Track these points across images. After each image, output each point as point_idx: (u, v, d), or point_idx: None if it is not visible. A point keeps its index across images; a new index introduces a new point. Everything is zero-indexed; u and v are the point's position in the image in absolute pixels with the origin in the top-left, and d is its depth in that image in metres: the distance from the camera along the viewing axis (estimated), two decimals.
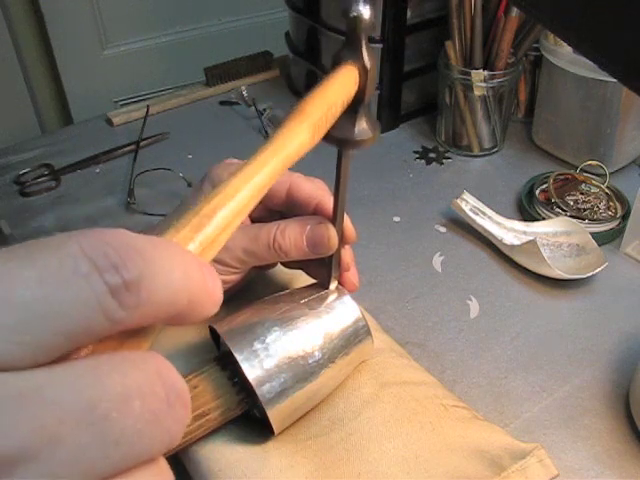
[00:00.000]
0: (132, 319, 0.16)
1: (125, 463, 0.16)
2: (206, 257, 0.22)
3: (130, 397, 0.16)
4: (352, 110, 0.35)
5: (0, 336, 0.15)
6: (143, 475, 0.17)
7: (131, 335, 0.18)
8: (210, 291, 0.19)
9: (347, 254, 0.47)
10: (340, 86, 0.33)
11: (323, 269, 0.46)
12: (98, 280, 0.16)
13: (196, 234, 0.21)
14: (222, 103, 0.93)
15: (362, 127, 0.36)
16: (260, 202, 0.48)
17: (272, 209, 0.48)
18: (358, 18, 0.33)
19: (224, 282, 0.46)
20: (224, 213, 0.22)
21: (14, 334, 0.15)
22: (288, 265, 0.51)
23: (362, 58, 0.34)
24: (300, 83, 0.93)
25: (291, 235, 0.44)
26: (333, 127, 0.32)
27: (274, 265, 0.52)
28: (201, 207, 0.22)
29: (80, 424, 0.15)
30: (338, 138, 0.36)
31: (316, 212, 0.46)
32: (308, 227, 0.44)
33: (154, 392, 0.17)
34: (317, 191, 0.46)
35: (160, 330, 0.19)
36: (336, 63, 0.34)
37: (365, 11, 0.33)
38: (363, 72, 0.34)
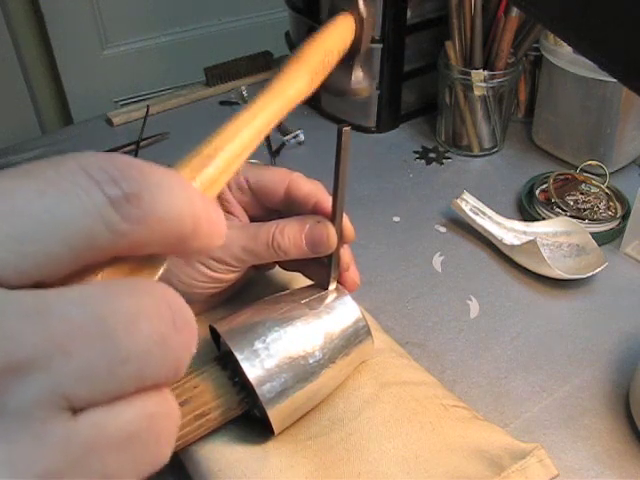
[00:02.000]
0: (136, 233, 0.17)
1: (131, 384, 0.16)
2: (208, 196, 0.22)
3: (138, 318, 0.16)
4: (349, 60, 0.36)
5: (1, 247, 0.15)
6: (148, 400, 0.17)
7: (139, 266, 0.18)
8: (214, 221, 0.19)
9: (346, 254, 0.47)
10: (337, 34, 0.33)
11: (322, 270, 0.46)
12: (97, 192, 0.16)
13: (197, 173, 0.21)
14: (222, 103, 0.93)
15: (358, 76, 0.36)
16: (259, 201, 0.49)
17: (271, 208, 0.48)
18: None
19: (222, 281, 0.46)
20: (225, 154, 0.23)
21: (16, 244, 0.15)
22: (286, 267, 0.51)
23: (358, 7, 0.34)
24: None
25: (290, 234, 0.44)
26: (330, 76, 0.33)
27: (272, 266, 0.52)
28: (202, 148, 0.23)
29: (88, 339, 0.15)
30: (335, 87, 0.36)
31: (315, 211, 0.46)
32: (307, 226, 0.44)
33: (161, 315, 0.17)
34: (316, 190, 0.46)
35: (166, 263, 0.19)
36: (333, 13, 0.34)
37: None
38: (359, 21, 0.34)
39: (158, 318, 0.17)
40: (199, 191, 0.19)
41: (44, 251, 0.16)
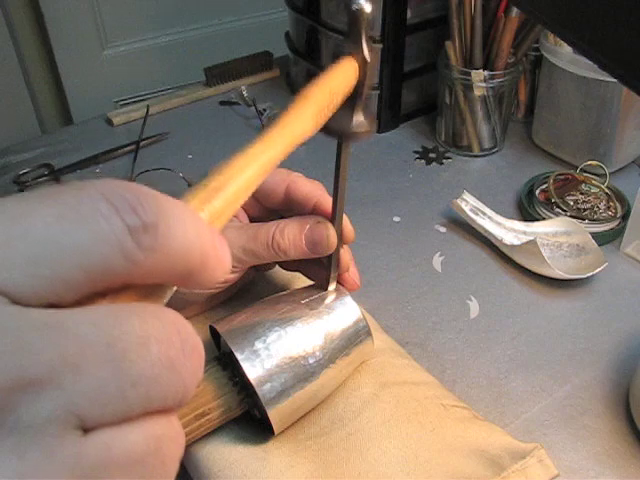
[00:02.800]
0: (149, 263, 0.17)
1: (140, 406, 0.16)
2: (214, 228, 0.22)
3: (148, 342, 0.16)
4: (350, 102, 0.36)
5: (19, 269, 0.15)
6: (156, 424, 0.17)
7: (147, 294, 0.19)
8: (220, 255, 0.19)
9: (346, 254, 0.47)
10: (342, 76, 0.34)
11: (321, 271, 0.46)
12: (117, 220, 0.16)
13: (205, 205, 0.22)
14: (222, 103, 0.93)
15: (359, 119, 0.37)
16: (258, 201, 0.49)
17: (271, 208, 0.48)
18: (359, 11, 0.34)
19: (222, 281, 0.46)
20: (232, 188, 0.23)
21: (32, 266, 0.16)
22: (286, 267, 0.51)
23: (362, 51, 0.35)
24: (300, 83, 0.93)
25: (290, 234, 0.44)
26: (331, 119, 0.33)
27: (272, 266, 0.52)
28: (210, 181, 0.23)
29: (100, 359, 0.16)
30: (336, 130, 0.36)
31: (314, 211, 0.46)
32: (307, 226, 0.44)
33: (171, 340, 0.17)
34: (316, 191, 0.46)
35: (172, 293, 0.20)
36: (337, 56, 0.35)
37: (366, 5, 0.34)
38: (363, 64, 0.35)
39: (167, 343, 0.17)
40: (208, 225, 0.19)
41: (60, 274, 0.16)
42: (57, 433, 0.15)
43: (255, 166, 0.25)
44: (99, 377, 0.16)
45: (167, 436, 0.17)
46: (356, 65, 0.35)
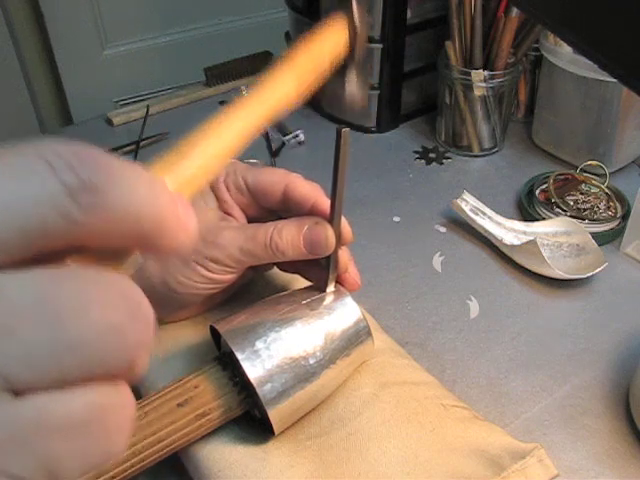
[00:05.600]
0: (92, 223, 0.16)
1: (79, 371, 0.16)
2: (182, 194, 0.22)
3: (88, 305, 0.16)
4: (343, 70, 0.35)
5: None
6: (99, 391, 0.17)
7: (107, 258, 0.18)
8: (182, 219, 0.19)
9: (344, 255, 0.46)
10: (328, 42, 0.33)
11: (320, 272, 0.46)
12: (53, 179, 0.16)
13: (172, 171, 0.21)
14: (222, 103, 0.93)
15: (352, 87, 0.36)
16: (256, 201, 0.49)
17: (269, 209, 0.48)
18: None
19: (220, 282, 0.46)
20: (202, 154, 0.23)
21: None
22: (284, 269, 0.50)
23: (353, 17, 0.34)
24: None
25: (288, 235, 0.44)
26: (324, 87, 0.33)
27: (270, 267, 0.52)
28: (180, 147, 0.23)
29: (32, 322, 0.15)
30: (329, 97, 0.36)
31: (312, 212, 0.45)
32: (306, 227, 0.44)
33: (114, 305, 0.16)
34: (314, 191, 0.46)
35: (136, 263, 0.19)
36: (327, 16, 0.34)
37: None
38: (353, 31, 0.34)
39: (111, 308, 0.16)
40: (167, 188, 0.19)
41: None
42: None
43: (229, 133, 0.24)
44: (30, 339, 0.15)
45: (113, 404, 0.17)
46: (346, 32, 0.34)
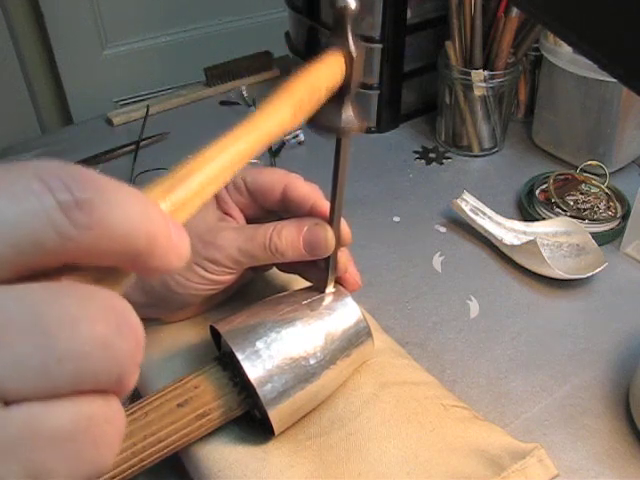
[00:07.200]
0: (86, 240, 0.17)
1: (68, 383, 0.16)
2: (177, 218, 0.22)
3: (78, 319, 0.16)
4: (339, 99, 0.36)
5: None
6: (88, 403, 0.17)
7: (101, 277, 0.19)
8: (174, 241, 0.19)
9: (343, 256, 0.46)
10: (326, 71, 0.34)
11: (319, 273, 0.46)
12: (48, 196, 0.16)
13: (167, 195, 0.22)
14: (222, 103, 0.93)
15: (348, 115, 0.36)
16: (255, 202, 0.49)
17: (268, 209, 0.48)
18: (345, 8, 0.34)
19: (219, 282, 0.46)
20: (198, 177, 0.23)
21: None
22: (283, 269, 0.50)
23: (348, 47, 0.35)
24: None
25: (288, 236, 0.44)
26: (321, 115, 0.33)
27: (269, 268, 0.52)
28: (176, 171, 0.23)
29: (23, 334, 0.16)
30: (325, 126, 0.36)
31: (311, 213, 0.45)
32: (305, 228, 0.44)
33: (104, 320, 0.17)
34: (313, 192, 0.46)
35: (131, 280, 0.20)
36: (324, 51, 0.35)
37: (351, 1, 0.34)
38: (349, 60, 0.35)
39: (101, 323, 0.17)
40: (160, 209, 0.19)
41: None
42: None
43: (224, 157, 0.25)
44: (20, 351, 0.16)
45: (101, 416, 0.17)
46: (342, 61, 0.34)
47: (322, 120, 0.35)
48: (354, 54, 0.34)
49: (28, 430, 0.16)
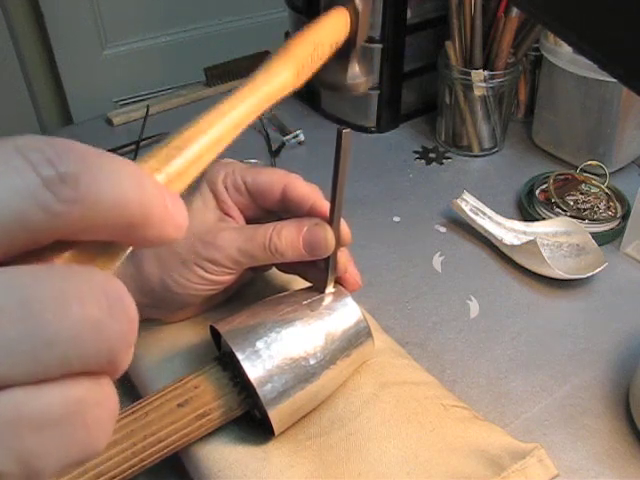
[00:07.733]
0: (73, 214, 0.16)
1: (58, 367, 0.16)
2: (174, 188, 0.21)
3: (67, 301, 0.16)
4: (344, 54, 0.35)
5: None
6: (78, 386, 0.17)
7: (96, 253, 0.18)
8: (170, 210, 0.18)
9: (343, 256, 0.46)
10: (329, 27, 0.33)
11: (319, 273, 0.46)
12: (30, 172, 0.16)
13: (164, 165, 0.21)
14: None
15: (354, 71, 0.36)
16: (255, 202, 0.48)
17: (267, 209, 0.48)
18: None
19: (218, 283, 0.46)
20: (195, 146, 0.22)
21: None
22: (283, 269, 0.50)
23: (354, 1, 0.34)
24: None
25: (287, 236, 0.44)
26: (326, 72, 0.32)
27: (269, 268, 0.52)
28: (171, 140, 0.22)
29: (10, 318, 0.15)
30: (331, 82, 0.36)
31: (311, 213, 0.45)
32: (305, 228, 0.44)
33: (95, 301, 0.16)
34: (313, 192, 0.46)
35: (125, 252, 0.19)
36: (328, 6, 0.34)
37: None
38: (354, 15, 0.34)
39: (91, 304, 0.16)
40: (154, 179, 0.18)
41: None
42: None
43: (222, 124, 0.24)
44: (8, 336, 0.15)
45: (92, 399, 0.17)
46: (347, 16, 0.34)
47: (327, 77, 0.34)
48: (359, 8, 0.33)
49: (17, 415, 0.16)
